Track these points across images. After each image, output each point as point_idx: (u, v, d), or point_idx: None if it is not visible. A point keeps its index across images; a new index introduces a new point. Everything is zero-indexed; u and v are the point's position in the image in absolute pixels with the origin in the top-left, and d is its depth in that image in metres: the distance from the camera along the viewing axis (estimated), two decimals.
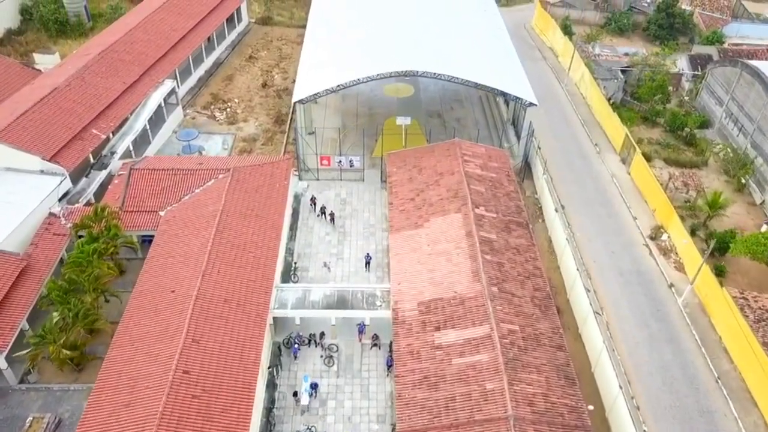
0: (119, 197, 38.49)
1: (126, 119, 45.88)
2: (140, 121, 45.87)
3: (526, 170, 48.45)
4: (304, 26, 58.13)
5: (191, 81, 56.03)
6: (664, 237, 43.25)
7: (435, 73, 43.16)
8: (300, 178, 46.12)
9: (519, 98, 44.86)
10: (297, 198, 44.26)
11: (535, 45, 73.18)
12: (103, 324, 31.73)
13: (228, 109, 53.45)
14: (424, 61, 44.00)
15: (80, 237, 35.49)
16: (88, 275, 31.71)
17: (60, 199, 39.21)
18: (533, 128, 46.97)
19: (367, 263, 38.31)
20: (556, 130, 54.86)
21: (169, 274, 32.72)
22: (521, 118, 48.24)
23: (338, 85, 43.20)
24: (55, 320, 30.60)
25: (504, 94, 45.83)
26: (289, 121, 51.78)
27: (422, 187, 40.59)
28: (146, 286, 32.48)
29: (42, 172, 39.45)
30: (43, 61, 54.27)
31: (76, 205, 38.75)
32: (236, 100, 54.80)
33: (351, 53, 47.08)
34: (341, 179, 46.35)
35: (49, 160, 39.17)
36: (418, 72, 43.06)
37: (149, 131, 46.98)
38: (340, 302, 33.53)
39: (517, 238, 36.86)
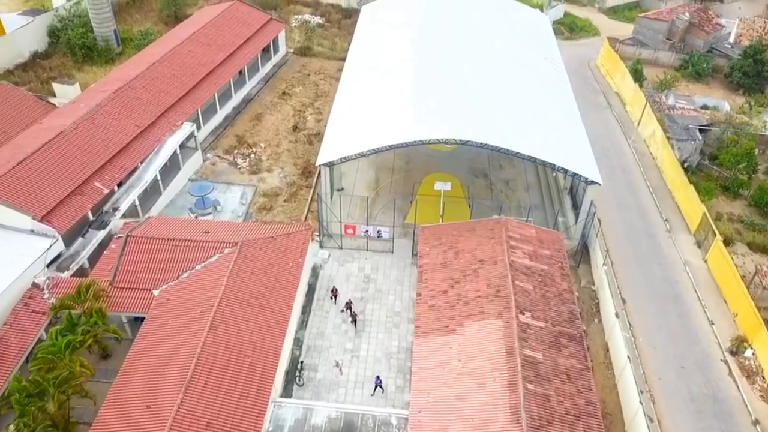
0: (111, 268, 34.25)
1: (136, 168, 41.90)
2: (150, 172, 41.69)
3: (582, 253, 41.97)
4: (344, 59, 53.36)
5: (216, 120, 51.81)
6: (748, 353, 36.02)
7: (481, 143, 37.30)
8: (321, 246, 41.07)
9: (580, 176, 38.49)
10: (315, 271, 39.20)
11: (600, 89, 66.22)
12: None
13: (252, 155, 48.92)
14: (469, 126, 38.18)
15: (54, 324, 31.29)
16: (56, 377, 27.35)
17: (50, 264, 35.31)
18: (595, 210, 40.35)
19: (377, 386, 32.03)
20: (620, 197, 48.04)
21: (149, 380, 27.97)
22: (581, 190, 41.71)
23: (370, 150, 37.98)
24: None
25: (563, 171, 39.39)
26: (316, 175, 46.88)
27: (458, 276, 34.74)
28: (121, 392, 27.83)
29: (32, 231, 35.64)
30: (62, 91, 51.13)
31: (64, 274, 34.68)
32: (262, 145, 50.24)
33: (388, 108, 41.65)
34: (367, 249, 41.04)
35: (41, 220, 35.31)
36: (461, 141, 37.34)
37: (160, 182, 42.88)
38: (347, 429, 28.11)
39: (569, 357, 30.54)
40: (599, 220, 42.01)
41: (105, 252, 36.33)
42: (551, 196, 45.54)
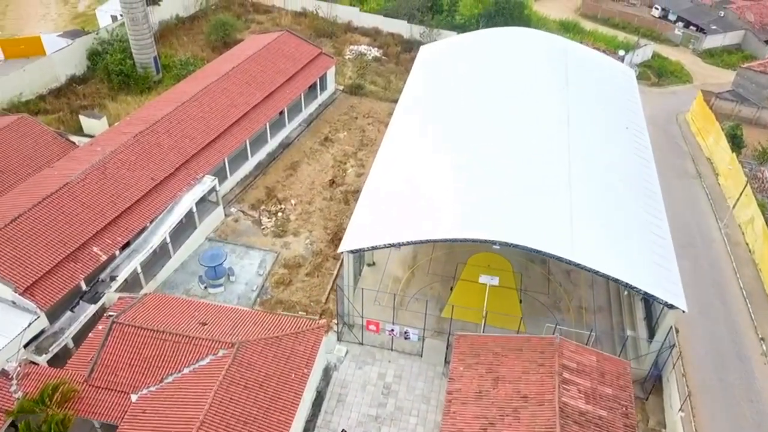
0: (90, 359, 29.96)
1: (144, 229, 37.81)
2: (159, 235, 37.44)
3: (654, 382, 34.49)
4: (397, 101, 47.80)
5: (246, 168, 47.34)
6: None
7: (536, 250, 30.76)
8: (339, 338, 35.61)
9: (658, 299, 31.16)
10: (327, 373, 33.71)
11: (689, 150, 57.88)
12: None
13: (280, 214, 44.04)
14: (522, 226, 31.61)
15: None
16: None
17: (28, 343, 31.41)
18: (674, 341, 32.86)
19: None
20: (704, 300, 40.15)
21: None
22: (658, 305, 34.19)
23: (401, 243, 32.20)
24: None
25: (636, 290, 31.98)
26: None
27: (494, 415, 28.21)
28: None
29: (14, 304, 31.94)
30: (89, 125, 48.06)
31: (42, 358, 30.69)
32: (293, 202, 45.31)
33: (431, 187, 35.57)
34: (392, 349, 35.22)
35: (23, 293, 31.53)
36: (510, 245, 30.90)
37: (170, 244, 38.63)
38: None
39: None
40: (677, 331, 34.67)
41: (90, 334, 32.02)
42: (620, 300, 38.23)
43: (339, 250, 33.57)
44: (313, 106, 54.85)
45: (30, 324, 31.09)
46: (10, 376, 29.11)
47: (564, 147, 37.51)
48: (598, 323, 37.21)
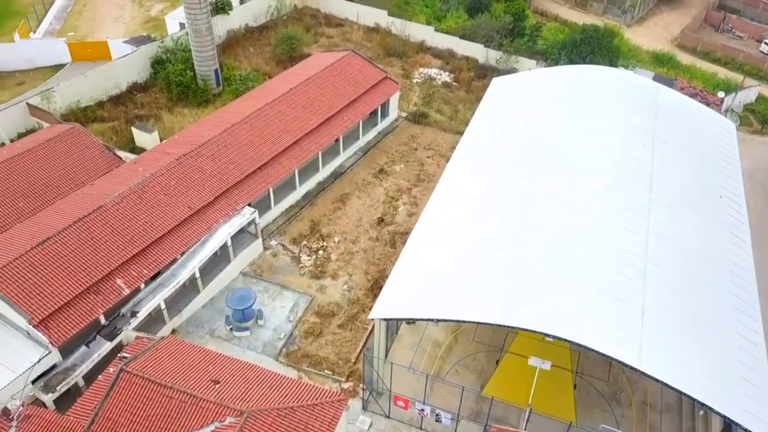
0: (94, 408, 28.10)
1: (174, 260, 35.96)
2: (188, 269, 35.48)
3: None
4: (463, 134, 44.18)
5: (293, 198, 44.84)
6: None
7: (593, 349, 26.25)
8: (364, 407, 32.32)
9: (743, 427, 25.78)
10: None
11: None
12: None
13: (321, 252, 41.26)
14: (580, 318, 27.24)
15: None
16: None
17: (38, 378, 30.04)
18: None
19: None
20: None
21: None
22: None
23: (441, 320, 28.53)
24: None
25: (714, 411, 26.68)
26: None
27: None
28: None
29: (28, 335, 30.68)
30: (140, 138, 47.04)
31: (48, 397, 29.18)
32: (336, 239, 42.46)
33: (483, 255, 31.61)
34: (421, 428, 31.58)
35: (36, 326, 30.15)
36: (564, 339, 26.55)
37: (200, 279, 36.63)
38: None
39: None
40: None
41: (100, 377, 30.07)
42: (694, 403, 32.87)
43: (370, 316, 30.28)
44: (371, 134, 51.86)
45: (40, 359, 29.65)
46: (10, 417, 27.82)
47: (642, 220, 32.51)
48: (664, 427, 32.16)
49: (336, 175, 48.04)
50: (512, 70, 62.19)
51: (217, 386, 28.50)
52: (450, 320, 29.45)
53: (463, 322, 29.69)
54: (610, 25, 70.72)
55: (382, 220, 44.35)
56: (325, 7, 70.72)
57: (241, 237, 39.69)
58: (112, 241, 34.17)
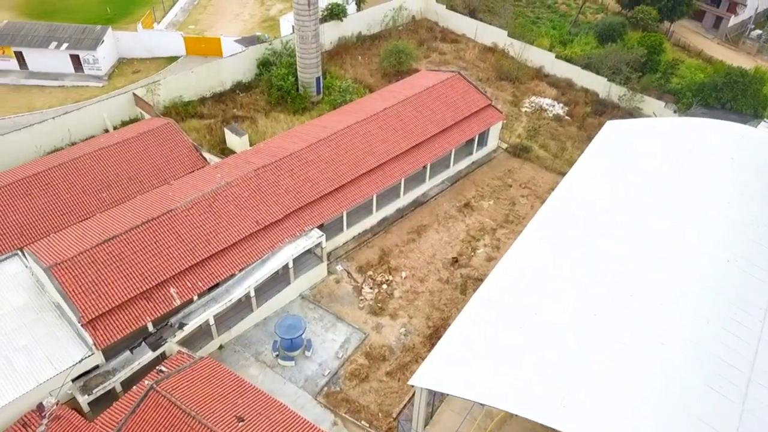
0: (120, 421, 27.70)
1: (232, 276, 35.19)
2: (243, 287, 34.55)
3: None
4: (564, 174, 40.32)
5: (367, 223, 42.80)
6: None
7: None
8: None
9: None
10: None
11: None
12: None
13: (385, 286, 38.98)
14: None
15: None
16: None
17: (79, 377, 30.29)
18: None
19: None
20: None
21: None
22: None
23: (489, 405, 25.12)
24: None
25: None
26: None
27: None
28: None
29: (77, 331, 31.03)
30: (231, 140, 47.12)
31: (84, 398, 29.23)
32: (404, 274, 39.91)
33: (554, 336, 27.68)
34: None
35: (84, 325, 30.38)
36: None
37: (254, 299, 35.61)
38: None
39: None
40: None
41: (134, 387, 29.88)
42: None
43: (411, 381, 27.49)
44: (463, 163, 48.64)
45: (82, 359, 29.84)
46: (43, 413, 28.17)
47: (754, 322, 26.99)
48: None
49: (417, 204, 45.43)
50: (635, 111, 56.26)
51: (240, 424, 27.17)
52: (494, 407, 25.97)
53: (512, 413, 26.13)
54: (762, 69, 62.00)
55: (457, 261, 41.21)
56: (444, 21, 68.10)
57: (306, 258, 38.35)
58: (174, 249, 33.95)
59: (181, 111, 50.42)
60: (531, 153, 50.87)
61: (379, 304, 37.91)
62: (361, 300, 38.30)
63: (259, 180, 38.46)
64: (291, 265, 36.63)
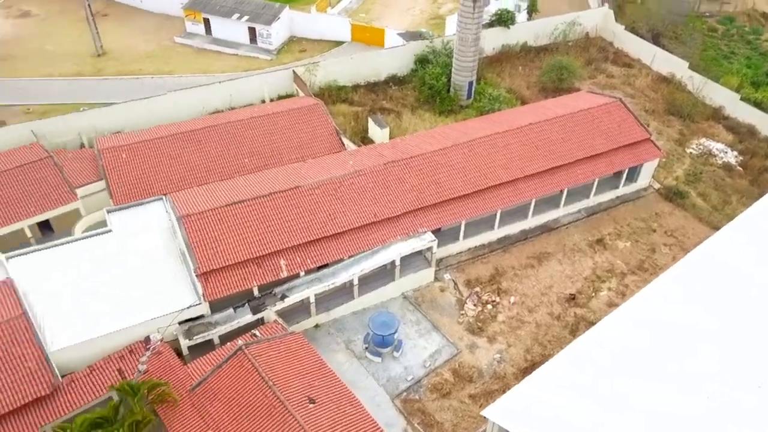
0: (204, 373, 29.60)
1: (340, 260, 36.03)
2: (348, 274, 35.26)
3: None
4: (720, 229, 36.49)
5: (486, 237, 41.35)
6: None
7: None
8: None
9: None
10: None
11: None
12: None
13: (490, 306, 37.65)
14: None
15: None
16: None
17: (185, 322, 32.82)
18: None
19: None
20: None
21: None
22: None
23: None
24: None
25: None
26: None
27: None
28: None
29: (192, 281, 33.63)
30: (373, 131, 48.08)
31: (186, 342, 31.73)
32: (512, 299, 38.25)
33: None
34: None
35: (198, 276, 32.82)
36: None
37: (356, 287, 36.17)
38: None
39: None
40: None
41: (228, 344, 31.84)
42: None
43: (483, 411, 26.26)
44: (605, 196, 45.28)
45: (190, 306, 32.45)
46: (148, 346, 31.01)
47: None
48: None
49: (545, 229, 43.28)
50: None
51: (310, 406, 27.85)
52: None
53: None
54: None
55: (574, 298, 38.69)
56: (619, 42, 63.91)
57: (415, 260, 38.23)
58: (292, 223, 35.58)
59: (333, 94, 52.60)
60: (686, 200, 46.14)
61: (480, 324, 36.83)
62: (462, 315, 37.44)
63: (386, 174, 38.98)
64: (398, 263, 36.79)
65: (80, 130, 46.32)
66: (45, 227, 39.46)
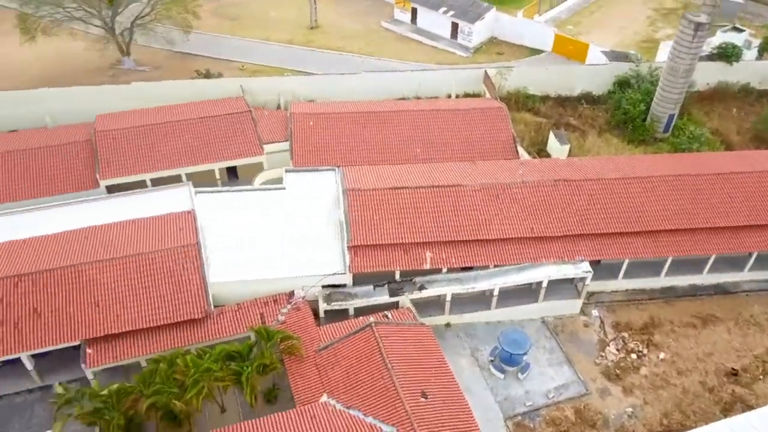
0: (332, 339, 30.97)
1: (485, 267, 35.43)
2: (489, 283, 34.62)
3: None
4: None
5: (648, 282, 38.15)
6: None
7: None
8: None
9: None
10: None
11: None
12: None
13: (634, 356, 34.64)
14: None
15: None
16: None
17: (328, 287, 34.61)
18: None
19: None
20: None
21: None
22: None
23: None
24: None
25: None
26: None
27: None
28: None
29: (343, 251, 35.23)
30: (552, 144, 46.27)
31: (325, 306, 33.54)
32: (662, 356, 34.79)
33: None
34: None
35: (349, 248, 34.31)
36: None
37: (495, 298, 35.34)
38: None
39: None
40: None
41: (361, 317, 32.92)
42: None
43: None
44: None
45: (335, 274, 34.19)
46: (290, 300, 33.34)
47: None
48: None
49: (719, 290, 38.76)
50: None
51: (422, 400, 28.02)
52: None
53: None
54: None
55: (737, 375, 34.26)
56: None
57: (563, 286, 36.45)
58: (447, 219, 35.73)
59: (519, 101, 51.51)
60: None
61: (619, 371, 34.18)
62: (602, 356, 35.02)
63: (554, 191, 37.47)
64: (545, 285, 35.41)
65: (281, 92, 50.57)
66: (232, 173, 44.06)
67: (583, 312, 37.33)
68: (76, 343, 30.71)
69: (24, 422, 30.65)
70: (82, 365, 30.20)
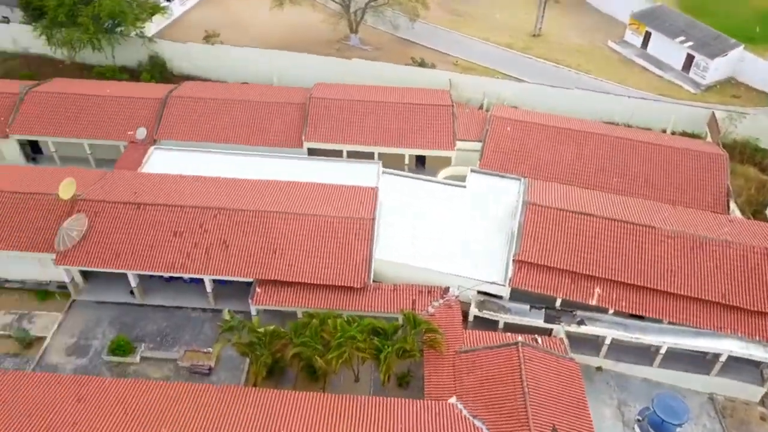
0: (477, 344, 30.55)
1: (658, 320, 32.32)
2: (656, 339, 31.61)
3: None
4: None
5: None
6: None
7: None
8: None
9: None
10: None
11: None
12: None
13: None
14: None
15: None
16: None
17: (484, 293, 34.23)
18: None
19: None
20: None
21: None
22: None
23: None
24: None
25: None
26: None
27: None
28: None
29: (506, 262, 34.50)
30: None
31: (475, 311, 33.26)
32: None
33: None
34: None
35: (515, 261, 33.44)
36: None
37: (661, 356, 32.04)
38: None
39: None
40: None
41: (508, 334, 32.07)
42: None
43: None
44: None
45: (493, 283, 33.74)
46: (443, 295, 33.70)
47: None
48: None
49: None
50: None
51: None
52: None
53: None
54: None
55: None
56: None
57: (745, 367, 32.25)
58: (627, 259, 33.40)
59: (745, 153, 46.04)
60: None
61: None
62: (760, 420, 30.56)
63: (764, 262, 32.99)
64: (722, 360, 31.53)
65: (486, 93, 50.69)
66: (420, 161, 45.35)
67: (762, 402, 32.71)
68: (249, 279, 34.19)
69: (194, 335, 34.94)
70: (250, 301, 33.55)
